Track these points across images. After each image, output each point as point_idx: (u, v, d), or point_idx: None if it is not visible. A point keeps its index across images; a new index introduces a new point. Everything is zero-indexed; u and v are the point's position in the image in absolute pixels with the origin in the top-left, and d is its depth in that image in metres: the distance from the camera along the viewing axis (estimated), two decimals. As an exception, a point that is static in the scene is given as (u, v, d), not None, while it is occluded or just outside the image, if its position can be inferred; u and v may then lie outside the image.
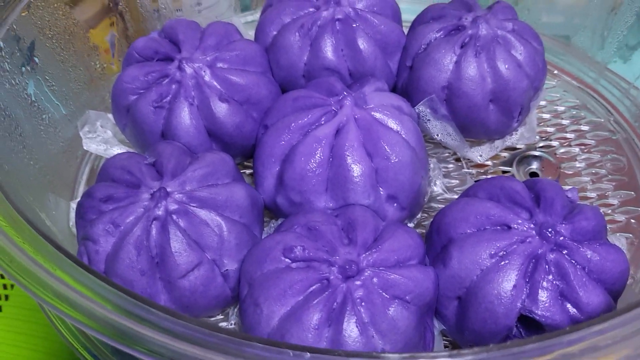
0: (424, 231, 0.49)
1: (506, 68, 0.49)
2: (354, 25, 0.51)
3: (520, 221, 0.40)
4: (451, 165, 0.53)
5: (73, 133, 0.51)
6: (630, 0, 0.53)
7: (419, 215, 0.49)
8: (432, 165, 0.51)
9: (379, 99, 0.47)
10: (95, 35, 0.58)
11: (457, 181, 0.52)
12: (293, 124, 0.45)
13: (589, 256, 0.38)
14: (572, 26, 0.59)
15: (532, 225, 0.39)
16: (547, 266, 0.38)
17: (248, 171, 0.53)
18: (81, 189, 0.51)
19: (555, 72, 0.60)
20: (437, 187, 0.50)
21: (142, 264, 0.39)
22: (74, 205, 0.49)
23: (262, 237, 0.45)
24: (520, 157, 0.54)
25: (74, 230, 0.44)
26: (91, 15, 0.58)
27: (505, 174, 0.53)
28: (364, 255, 0.38)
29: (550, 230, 0.39)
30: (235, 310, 0.44)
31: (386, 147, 0.43)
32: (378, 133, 0.44)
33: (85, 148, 0.50)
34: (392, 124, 0.45)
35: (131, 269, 0.39)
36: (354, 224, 0.40)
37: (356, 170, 0.43)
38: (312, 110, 0.46)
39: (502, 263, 0.38)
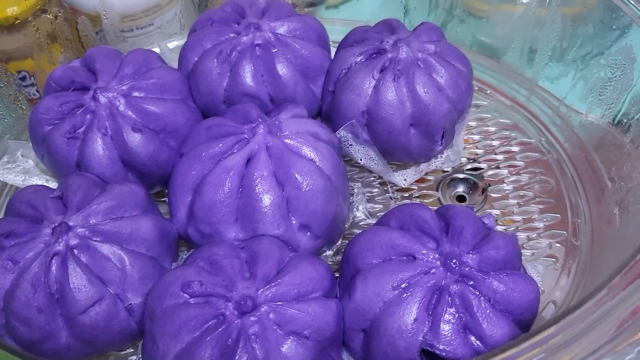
0: (343, 259, 0.48)
1: (425, 92, 0.48)
2: (274, 51, 0.50)
3: (425, 251, 0.39)
4: (376, 190, 0.53)
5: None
6: (552, 20, 0.53)
7: (339, 242, 0.48)
8: (355, 190, 0.51)
9: (294, 125, 0.46)
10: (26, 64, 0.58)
11: (381, 206, 0.52)
12: (204, 153, 0.45)
13: (494, 287, 0.38)
14: (502, 44, 0.59)
15: (437, 256, 0.39)
16: (449, 298, 0.37)
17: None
18: (-1, 222, 0.50)
19: (488, 91, 0.59)
20: (360, 213, 0.50)
21: (39, 301, 0.38)
22: (-11, 238, 0.48)
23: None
24: (447, 180, 0.53)
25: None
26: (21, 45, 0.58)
27: (429, 199, 0.52)
28: (262, 289, 0.37)
29: (455, 261, 0.38)
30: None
31: (297, 175, 0.43)
32: (290, 162, 0.43)
33: (1, 179, 0.50)
34: (307, 151, 0.45)
35: (27, 307, 0.38)
36: (256, 256, 0.40)
37: (265, 200, 0.42)
38: (225, 138, 0.45)
39: (404, 295, 0.38)
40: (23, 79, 0.61)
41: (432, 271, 0.38)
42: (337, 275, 0.45)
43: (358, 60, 0.51)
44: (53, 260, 0.39)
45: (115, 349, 0.42)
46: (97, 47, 0.52)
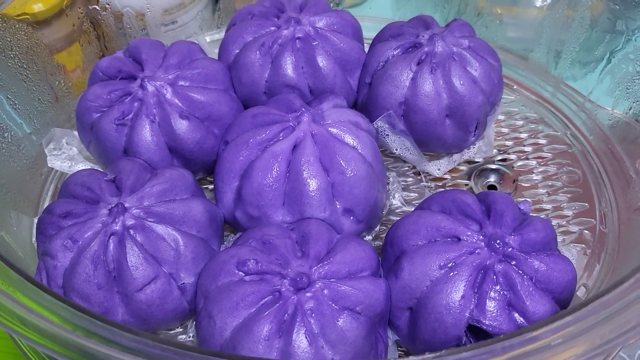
0: (381, 243, 0.50)
1: (461, 84, 0.50)
2: (314, 44, 0.52)
3: (469, 233, 0.41)
4: (410, 179, 0.54)
5: (38, 150, 0.52)
6: (581, 19, 0.55)
7: (377, 228, 0.50)
8: (391, 179, 0.52)
9: (336, 115, 0.48)
10: (63, 57, 0.59)
11: (416, 194, 0.53)
12: (251, 140, 0.46)
13: (536, 267, 0.39)
14: (529, 42, 0.61)
15: (481, 237, 0.40)
16: (495, 277, 0.39)
17: (210, 186, 0.54)
18: (44, 205, 0.52)
19: (515, 87, 0.62)
20: (396, 200, 0.51)
21: (99, 278, 0.40)
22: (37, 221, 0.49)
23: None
24: (478, 171, 0.55)
25: (37, 245, 0.44)
26: (59, 37, 0.59)
27: (462, 188, 0.54)
28: (315, 267, 0.39)
29: (498, 241, 0.40)
30: (194, 323, 0.44)
31: (342, 162, 0.45)
32: (334, 148, 0.45)
33: (49, 165, 0.51)
34: (349, 139, 0.47)
35: (88, 283, 0.40)
36: (307, 237, 0.41)
37: (312, 184, 0.44)
38: (270, 126, 0.47)
39: (451, 274, 0.39)
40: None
41: (477, 251, 0.40)
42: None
43: (395, 53, 0.53)
44: (110, 240, 0.40)
45: (166, 327, 0.44)
46: (141, 39, 0.53)
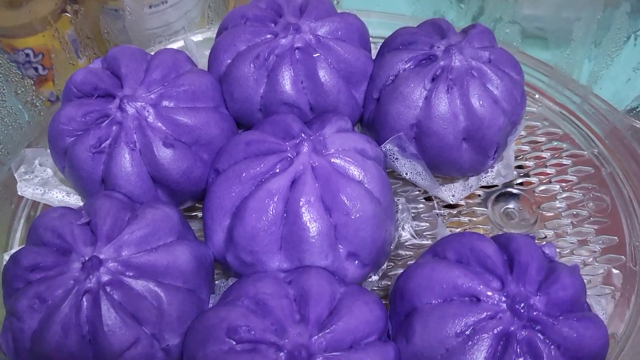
0: (389, 283, 0.45)
1: (481, 105, 0.44)
2: (315, 55, 0.46)
3: (490, 293, 0.36)
4: (421, 206, 0.49)
5: (4, 177, 0.46)
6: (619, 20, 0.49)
7: (384, 266, 0.45)
8: (400, 207, 0.47)
9: (340, 142, 0.43)
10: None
11: (427, 224, 0.48)
12: (244, 174, 0.41)
13: (564, 334, 0.35)
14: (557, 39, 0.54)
15: (503, 298, 0.36)
16: (517, 346, 0.34)
17: (199, 214, 0.49)
18: (18, 237, 0.47)
19: (537, 96, 0.56)
20: (405, 233, 0.46)
21: (70, 344, 0.35)
22: (7, 257, 0.44)
23: (210, 303, 0.41)
24: (496, 195, 0.50)
25: (3, 294, 0.40)
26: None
27: (478, 217, 0.49)
28: (316, 337, 0.34)
29: (523, 305, 0.35)
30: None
31: (346, 201, 0.39)
32: (337, 185, 0.40)
33: (19, 193, 0.46)
34: (354, 172, 0.41)
35: (59, 351, 0.35)
36: (307, 296, 0.36)
37: (313, 229, 0.39)
38: (266, 157, 0.41)
39: (469, 343, 0.35)
40: (27, 55, 0.57)
41: (498, 316, 0.35)
42: (385, 303, 0.42)
43: (406, 67, 0.47)
44: (84, 299, 0.36)
45: (151, 387, 0.39)
46: (121, 47, 0.47)
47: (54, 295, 0.36)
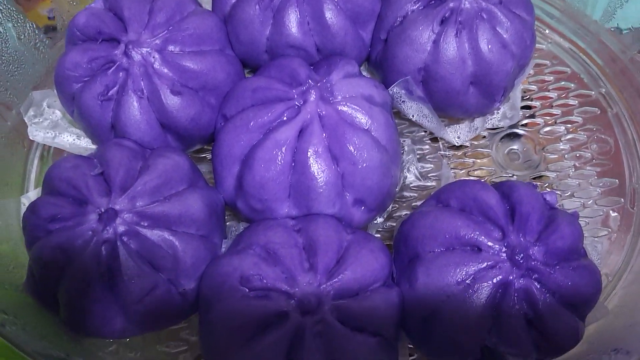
0: (393, 224, 0.47)
1: (489, 49, 0.44)
2: (322, -4, 0.45)
3: (490, 243, 0.38)
4: (427, 147, 0.50)
5: (14, 121, 0.47)
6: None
7: (389, 208, 0.46)
8: (406, 148, 0.48)
9: (347, 88, 0.43)
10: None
11: (432, 166, 0.49)
12: (252, 122, 0.41)
13: (560, 282, 0.37)
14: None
15: (503, 249, 0.37)
16: (515, 294, 0.36)
17: (209, 156, 0.50)
18: (32, 178, 0.48)
19: (547, 31, 0.54)
20: (411, 175, 0.48)
21: (94, 293, 0.38)
22: (24, 200, 0.46)
23: (222, 246, 0.43)
24: (501, 137, 0.50)
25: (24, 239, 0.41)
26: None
27: (482, 158, 0.49)
28: (324, 285, 0.36)
29: (522, 255, 0.37)
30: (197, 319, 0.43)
31: (353, 151, 0.40)
32: (345, 135, 0.40)
33: (31, 138, 0.47)
34: (362, 120, 0.42)
35: (82, 298, 0.38)
36: (315, 245, 0.38)
37: (320, 179, 0.40)
38: (273, 105, 0.41)
39: (470, 291, 0.37)
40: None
41: (498, 265, 0.37)
42: (389, 243, 0.44)
43: (415, 8, 0.46)
44: (103, 249, 0.37)
45: (169, 327, 0.42)
46: (123, -13, 0.46)
47: (74, 246, 0.38)
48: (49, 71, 0.50)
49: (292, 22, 0.45)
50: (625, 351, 0.32)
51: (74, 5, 0.54)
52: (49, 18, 0.60)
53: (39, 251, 0.38)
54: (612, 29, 0.52)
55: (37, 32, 0.49)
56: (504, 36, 0.44)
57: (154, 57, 0.43)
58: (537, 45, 0.53)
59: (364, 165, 0.40)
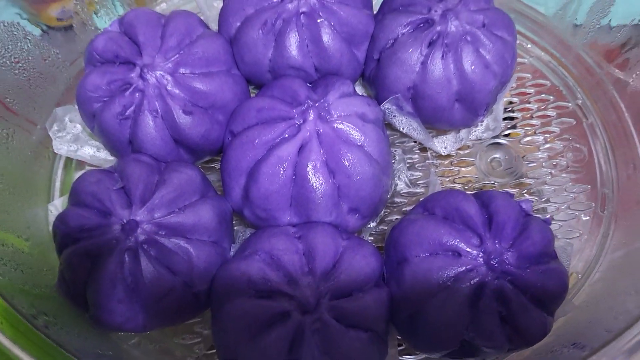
0: (385, 228, 0.52)
1: (472, 70, 0.48)
2: (319, 21, 0.49)
3: (469, 249, 0.42)
4: (416, 156, 0.54)
5: (40, 136, 0.51)
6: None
7: (381, 213, 0.51)
8: (397, 157, 0.53)
9: (343, 106, 0.47)
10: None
11: (421, 174, 0.54)
12: (257, 140, 0.46)
13: (531, 283, 0.41)
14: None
15: (480, 254, 0.42)
16: (490, 294, 0.41)
17: (217, 165, 0.54)
18: (57, 187, 0.53)
19: (529, 46, 0.59)
20: (401, 182, 0.52)
21: (118, 294, 0.42)
22: (51, 208, 0.51)
23: (231, 250, 0.48)
24: (485, 146, 0.55)
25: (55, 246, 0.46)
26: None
27: (466, 166, 0.54)
28: (321, 287, 0.41)
29: (497, 260, 0.41)
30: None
31: (348, 165, 0.45)
32: (340, 151, 0.45)
33: (55, 151, 0.51)
34: (355, 136, 0.46)
35: (109, 299, 0.42)
36: (314, 252, 0.43)
37: (319, 191, 0.45)
38: (276, 124, 0.46)
39: (450, 291, 0.41)
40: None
41: (475, 269, 0.42)
42: (381, 245, 0.49)
43: (405, 31, 0.50)
44: (125, 256, 0.42)
45: (184, 322, 0.47)
46: (136, 13, 0.50)
47: (100, 252, 0.42)
48: (69, 88, 0.55)
49: (293, 45, 0.50)
50: (582, 345, 0.36)
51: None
52: (57, 19, 0.64)
53: (68, 257, 0.43)
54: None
55: (58, 54, 0.53)
56: (487, 57, 0.49)
57: (166, 79, 0.47)
58: (519, 59, 0.58)
59: (358, 177, 0.45)
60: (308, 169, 0.44)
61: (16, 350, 0.32)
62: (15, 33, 0.48)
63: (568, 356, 0.36)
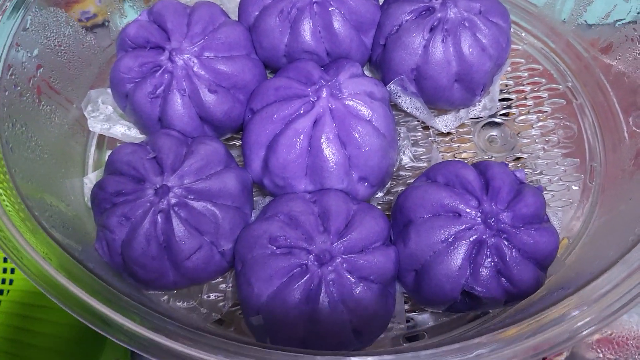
0: (392, 198, 0.57)
1: (470, 52, 0.53)
2: (330, 9, 0.54)
3: (468, 210, 0.47)
4: (419, 134, 0.59)
5: (75, 114, 0.56)
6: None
7: (388, 185, 0.56)
8: (402, 134, 0.57)
9: (352, 86, 0.52)
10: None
11: (424, 149, 0.59)
12: (275, 115, 0.51)
13: (524, 240, 0.46)
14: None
15: (478, 214, 0.47)
16: (488, 250, 0.46)
17: (238, 143, 0.59)
18: (90, 163, 0.58)
19: (523, 34, 0.64)
20: (406, 157, 0.57)
21: (152, 251, 0.47)
22: (86, 180, 0.56)
23: (252, 216, 0.52)
24: (482, 125, 0.60)
25: (89, 204, 0.51)
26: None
27: (466, 143, 0.59)
28: (336, 243, 0.46)
29: (493, 219, 0.46)
30: (232, 274, 0.52)
31: (358, 137, 0.49)
32: (351, 124, 0.49)
33: (90, 129, 0.56)
34: (364, 112, 0.51)
35: (144, 255, 0.47)
36: (328, 212, 0.47)
37: (331, 160, 0.49)
38: (292, 100, 0.51)
39: (451, 247, 0.46)
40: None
41: (474, 227, 0.46)
42: (388, 214, 0.53)
43: (408, 18, 0.55)
44: (158, 217, 0.47)
45: (209, 281, 0.52)
46: (164, 3, 0.55)
47: (136, 214, 0.47)
48: (101, 72, 0.60)
49: (307, 31, 0.55)
50: (567, 287, 0.41)
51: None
52: (79, 20, 0.69)
53: (107, 219, 0.48)
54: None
55: (94, 40, 0.59)
56: (483, 41, 0.54)
57: (193, 61, 0.52)
58: (513, 46, 0.63)
59: (367, 149, 0.50)
60: (322, 140, 0.49)
61: (71, 287, 0.37)
62: (59, 18, 0.54)
63: (554, 298, 0.40)
